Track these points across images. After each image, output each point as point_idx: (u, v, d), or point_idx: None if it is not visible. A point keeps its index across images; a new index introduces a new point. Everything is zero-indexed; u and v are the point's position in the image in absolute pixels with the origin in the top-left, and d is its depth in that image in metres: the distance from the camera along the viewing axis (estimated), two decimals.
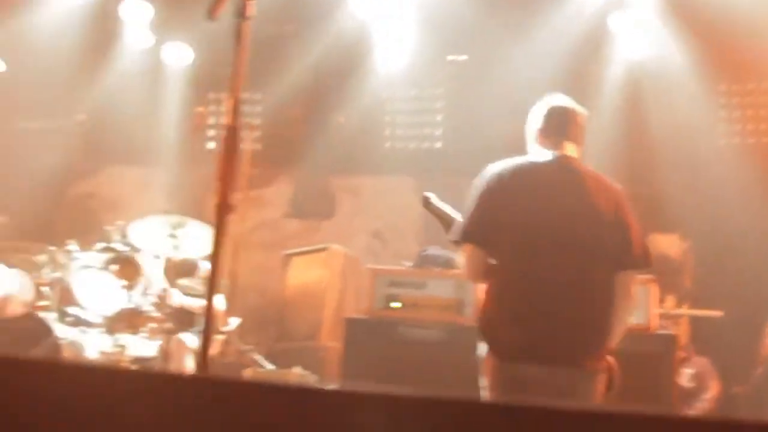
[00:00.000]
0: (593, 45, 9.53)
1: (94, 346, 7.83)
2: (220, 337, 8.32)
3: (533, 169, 4.66)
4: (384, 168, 10.92)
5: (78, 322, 7.76)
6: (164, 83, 10.91)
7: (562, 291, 4.44)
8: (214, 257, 2.82)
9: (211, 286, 2.80)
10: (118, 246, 7.77)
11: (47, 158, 10.30)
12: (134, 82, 10.74)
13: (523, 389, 4.25)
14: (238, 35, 3.11)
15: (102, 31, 10.41)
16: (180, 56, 10.75)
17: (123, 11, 10.18)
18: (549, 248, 4.49)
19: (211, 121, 11.32)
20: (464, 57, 10.73)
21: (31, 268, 7.98)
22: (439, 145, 10.89)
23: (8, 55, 11.02)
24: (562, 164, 4.67)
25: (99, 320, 7.84)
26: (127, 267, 7.69)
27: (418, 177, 10.81)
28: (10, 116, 11.14)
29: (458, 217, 5.00)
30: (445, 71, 10.84)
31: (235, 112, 3.03)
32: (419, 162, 10.82)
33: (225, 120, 3.05)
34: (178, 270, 7.84)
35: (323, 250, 9.26)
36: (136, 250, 7.85)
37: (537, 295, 4.44)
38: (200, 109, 10.98)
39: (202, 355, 2.77)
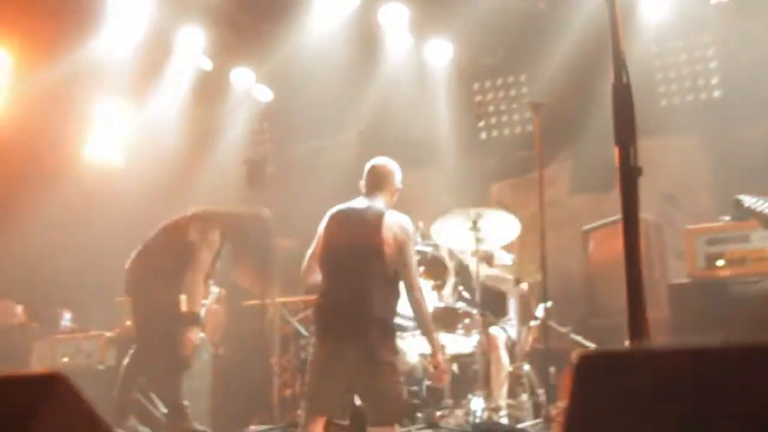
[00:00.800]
0: None
1: (412, 349, 7.90)
2: (534, 323, 8.24)
3: None
4: (664, 127, 10.51)
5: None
6: (429, 81, 10.96)
7: None
8: (629, 224, 2.66)
9: (632, 259, 2.65)
10: (423, 247, 7.78)
11: (328, 176, 10.52)
12: (402, 85, 10.86)
13: None
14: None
15: (364, 41, 10.58)
16: (441, 52, 10.79)
17: (381, 17, 10.31)
18: None
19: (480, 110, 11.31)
20: None
21: None
22: (717, 93, 10.38)
23: (277, 86, 11.40)
24: None
25: (412, 323, 7.90)
26: (434, 267, 7.70)
27: (701, 131, 10.38)
28: (287, 142, 11.49)
29: None
30: (710, 16, 10.33)
31: (619, 71, 2.88)
32: (700, 114, 10.35)
33: (612, 80, 2.91)
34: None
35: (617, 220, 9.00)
36: (440, 248, 7.86)
37: None
38: (479, 98, 11.01)
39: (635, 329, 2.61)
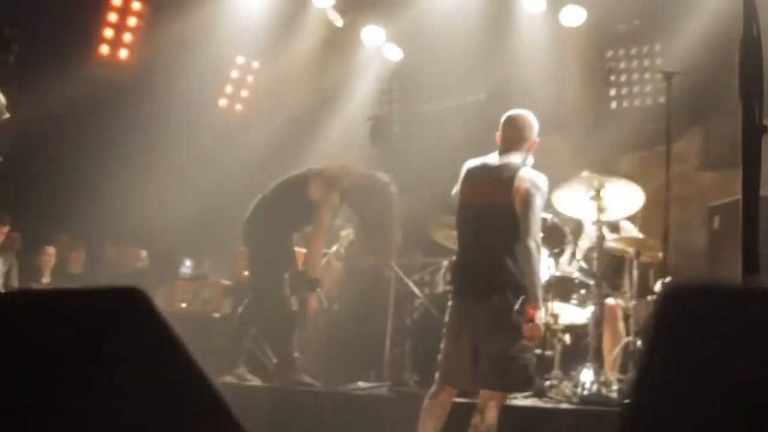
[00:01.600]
0: None
1: None
2: (651, 298, 8.03)
3: None
4: None
5: None
6: (561, 46, 10.74)
7: None
8: (748, 184, 2.51)
9: (749, 216, 2.51)
10: (543, 214, 7.62)
11: (454, 136, 10.39)
12: (533, 48, 10.67)
13: None
14: None
15: (496, 2, 10.43)
16: (575, 17, 10.55)
17: None
18: None
19: (612, 78, 11.03)
20: None
21: None
22: None
23: (405, 44, 11.34)
24: None
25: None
26: (553, 234, 7.55)
27: None
28: (414, 101, 11.40)
29: None
30: None
31: (749, 23, 2.72)
32: None
33: (741, 33, 2.74)
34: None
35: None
36: (560, 216, 7.71)
37: None
38: (611, 66, 10.75)
39: None
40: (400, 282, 9.31)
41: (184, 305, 10.19)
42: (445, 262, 8.51)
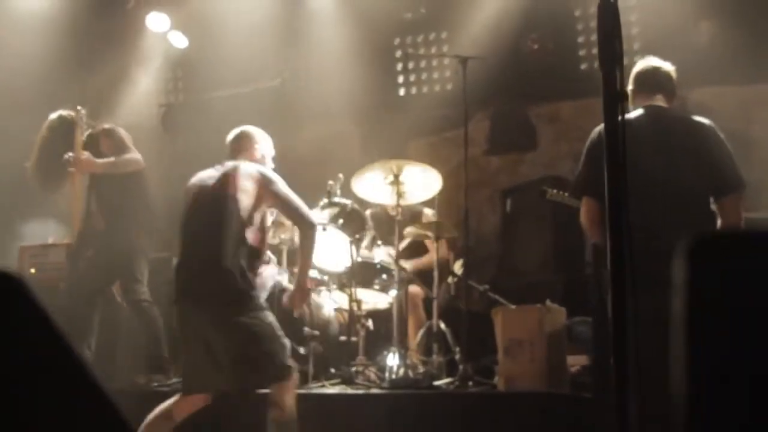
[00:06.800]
0: None
1: (329, 303, 7.81)
2: (451, 280, 8.19)
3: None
4: (583, 91, 10.49)
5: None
6: (350, 34, 10.72)
7: None
8: (612, 149, 2.52)
9: (613, 189, 2.52)
10: (342, 200, 7.61)
11: (240, 124, 10.21)
12: (326, 37, 10.64)
13: None
14: None
15: None
16: (362, 5, 10.60)
17: None
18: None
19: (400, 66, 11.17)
20: None
21: None
22: (637, 60, 10.30)
23: (191, 31, 11.06)
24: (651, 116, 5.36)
25: (326, 277, 7.82)
26: (353, 220, 7.55)
27: None
28: (201, 88, 11.15)
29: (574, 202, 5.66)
30: None
31: None
32: None
33: None
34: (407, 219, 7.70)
35: (539, 181, 9.00)
36: (360, 202, 7.72)
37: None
38: (399, 53, 10.89)
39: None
40: None
41: None
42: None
